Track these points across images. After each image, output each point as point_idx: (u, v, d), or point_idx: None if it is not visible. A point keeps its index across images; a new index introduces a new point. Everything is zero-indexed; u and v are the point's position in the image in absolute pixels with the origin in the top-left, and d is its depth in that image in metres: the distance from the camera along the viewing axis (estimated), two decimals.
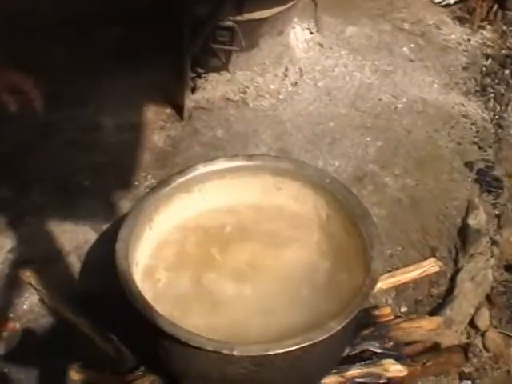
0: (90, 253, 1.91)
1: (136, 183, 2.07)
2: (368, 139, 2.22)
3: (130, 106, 2.27)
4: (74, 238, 1.93)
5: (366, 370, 1.63)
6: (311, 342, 1.31)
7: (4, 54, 1.61)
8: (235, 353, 1.29)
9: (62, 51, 2.39)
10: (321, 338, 1.31)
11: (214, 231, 1.66)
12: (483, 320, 1.84)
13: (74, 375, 1.65)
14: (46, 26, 2.40)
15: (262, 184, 1.70)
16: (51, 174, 2.08)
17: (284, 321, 1.47)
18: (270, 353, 1.29)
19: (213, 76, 2.29)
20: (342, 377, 1.60)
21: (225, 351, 1.29)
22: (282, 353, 1.30)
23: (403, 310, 1.88)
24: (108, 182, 2.06)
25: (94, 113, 2.25)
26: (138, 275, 1.50)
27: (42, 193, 2.03)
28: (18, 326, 1.78)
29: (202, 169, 1.66)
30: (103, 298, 1.77)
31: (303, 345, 1.30)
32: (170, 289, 1.54)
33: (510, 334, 1.83)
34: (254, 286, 1.55)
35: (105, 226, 1.95)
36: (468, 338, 1.82)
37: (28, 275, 1.82)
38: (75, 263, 1.89)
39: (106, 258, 1.85)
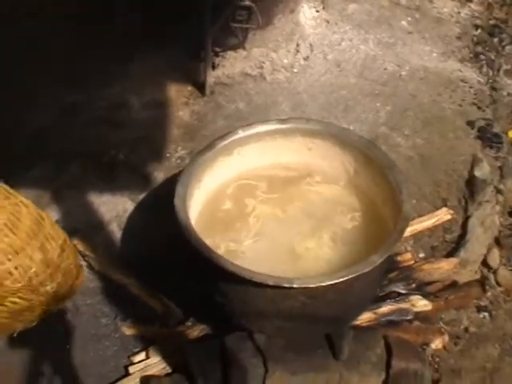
0: (130, 221, 1.98)
1: (167, 155, 2.13)
2: (378, 105, 2.32)
3: (153, 84, 2.31)
4: (113, 208, 1.99)
5: (395, 306, 1.76)
6: (359, 273, 1.44)
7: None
8: (295, 285, 1.41)
9: (87, 34, 2.38)
10: (366, 270, 1.45)
11: (252, 188, 1.80)
12: (494, 259, 1.95)
13: (127, 330, 1.77)
14: (70, 12, 2.41)
15: (295, 145, 1.82)
16: (86, 150, 2.10)
17: (323, 260, 1.62)
18: (325, 283, 1.42)
19: (230, 54, 2.37)
20: (375, 313, 1.74)
21: (285, 285, 1.41)
22: (334, 284, 1.42)
23: (421, 255, 1.97)
24: (141, 155, 2.10)
25: (119, 92, 2.27)
26: None
27: (80, 168, 2.06)
28: None
29: (241, 133, 1.77)
30: (145, 260, 1.86)
31: (351, 276, 1.43)
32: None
33: None
34: (291, 227, 1.69)
35: (141, 196, 2.02)
36: (482, 275, 1.92)
37: (75, 243, 1.89)
38: (116, 231, 1.96)
39: (145, 225, 1.98)
